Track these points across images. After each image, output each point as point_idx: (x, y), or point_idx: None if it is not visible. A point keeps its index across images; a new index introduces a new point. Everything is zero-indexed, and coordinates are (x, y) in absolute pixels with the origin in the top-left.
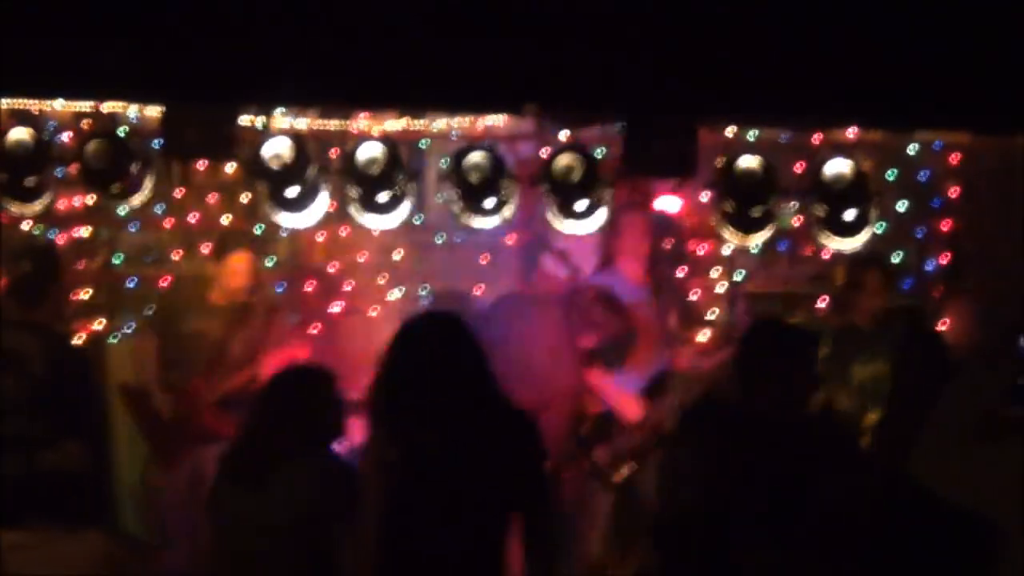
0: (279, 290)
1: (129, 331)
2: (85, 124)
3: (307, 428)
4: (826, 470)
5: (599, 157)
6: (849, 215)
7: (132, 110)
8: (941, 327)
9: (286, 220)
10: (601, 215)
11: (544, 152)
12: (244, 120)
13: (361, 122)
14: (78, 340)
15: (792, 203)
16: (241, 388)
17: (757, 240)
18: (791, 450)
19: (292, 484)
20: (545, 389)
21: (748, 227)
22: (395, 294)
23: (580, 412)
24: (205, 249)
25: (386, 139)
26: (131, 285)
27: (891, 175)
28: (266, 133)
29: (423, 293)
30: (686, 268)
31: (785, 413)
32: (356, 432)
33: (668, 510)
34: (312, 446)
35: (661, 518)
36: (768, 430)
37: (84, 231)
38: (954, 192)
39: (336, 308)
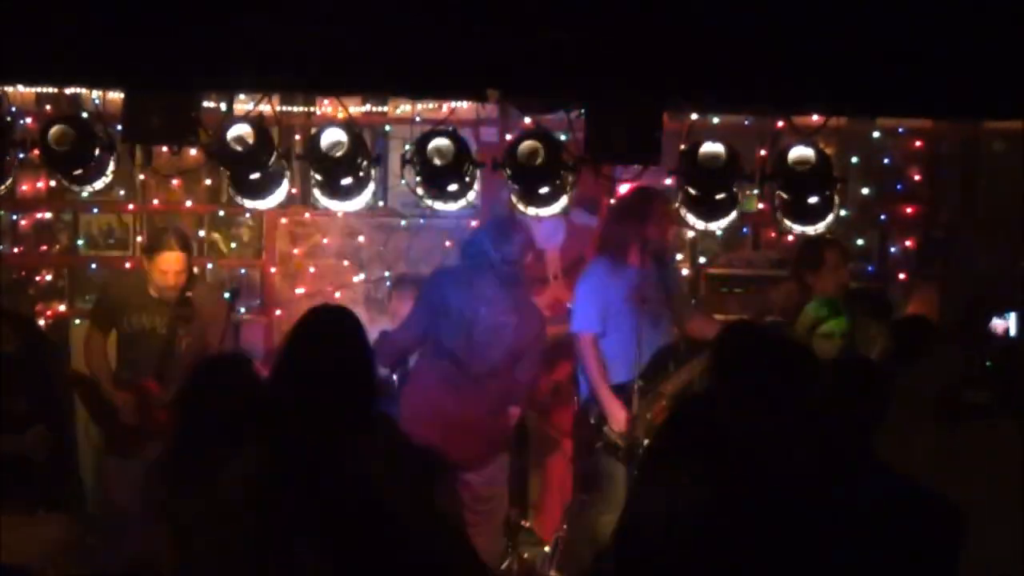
0: (242, 272)
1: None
2: (47, 108)
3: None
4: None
5: (563, 141)
6: (813, 200)
7: (94, 94)
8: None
9: (249, 204)
10: (563, 200)
11: (507, 137)
12: (207, 105)
13: (324, 107)
14: (41, 323)
15: (755, 189)
16: None
17: (721, 225)
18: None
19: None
20: (515, 345)
21: (712, 212)
22: (359, 277)
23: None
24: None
25: (349, 123)
26: (93, 268)
27: (855, 160)
28: (229, 117)
29: (386, 276)
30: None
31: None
32: None
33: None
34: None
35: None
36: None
37: (47, 214)
38: (917, 177)
39: (299, 291)
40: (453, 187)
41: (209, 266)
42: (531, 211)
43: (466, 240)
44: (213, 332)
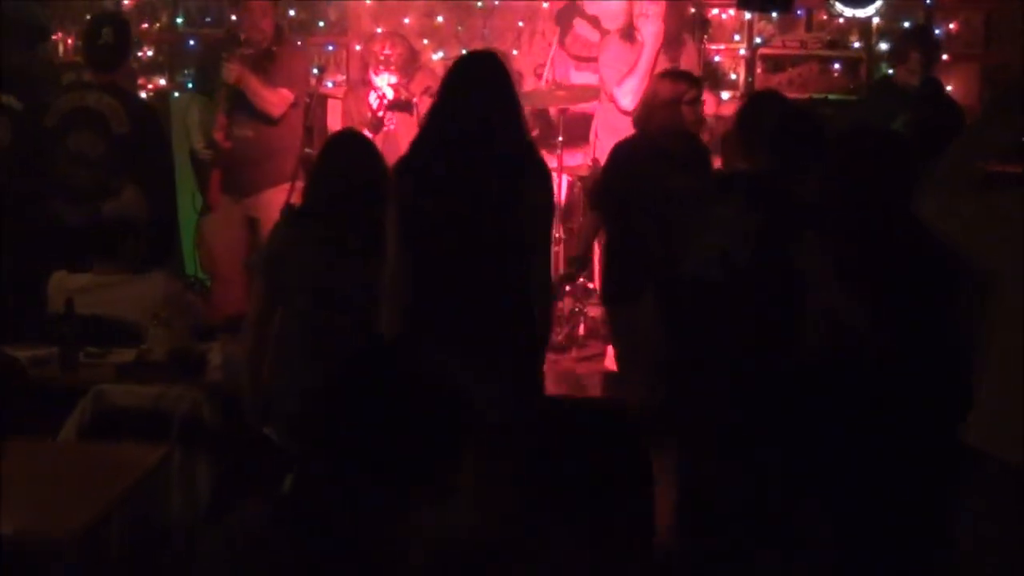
0: (329, 49)
1: (190, 87)
2: None
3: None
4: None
5: None
6: None
7: None
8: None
9: None
10: None
11: None
12: None
13: None
14: (143, 95)
15: None
16: None
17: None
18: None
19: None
20: None
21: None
22: (438, 55)
23: None
24: None
25: None
26: (191, 44)
27: None
28: None
29: (464, 54)
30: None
31: (784, 177)
32: None
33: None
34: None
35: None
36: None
37: None
38: None
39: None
40: None
41: (299, 43)
42: None
43: None
44: (294, 88)
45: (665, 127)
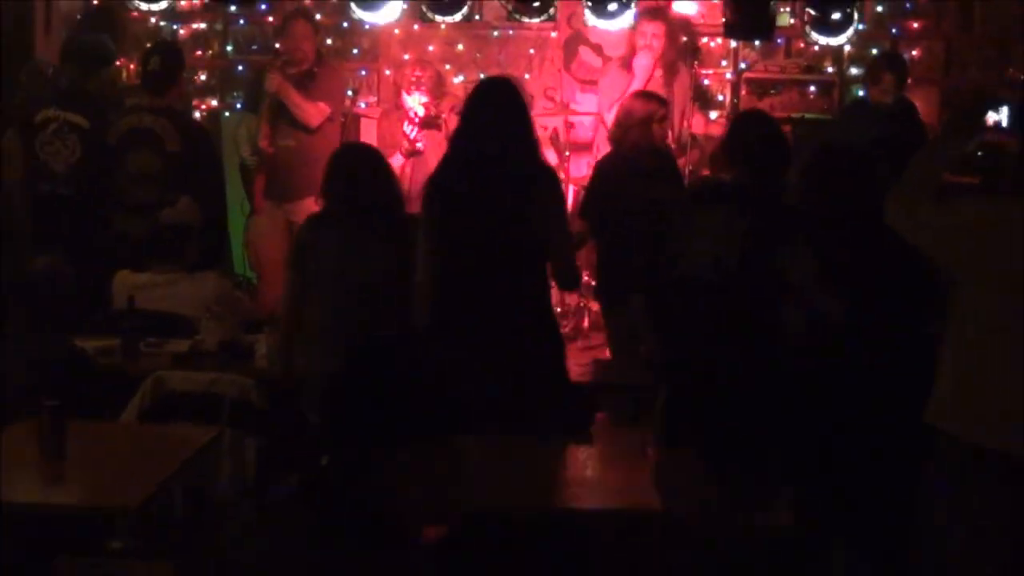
0: (362, 73)
1: (239, 107)
2: None
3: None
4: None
5: None
6: (835, 16)
7: None
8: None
9: (368, 16)
10: (629, 16)
11: None
12: None
13: None
14: (197, 115)
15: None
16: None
17: (841, 40)
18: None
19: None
20: None
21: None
22: (458, 79)
23: None
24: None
25: None
26: (240, 69)
27: None
28: None
29: (481, 78)
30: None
31: (763, 187)
32: None
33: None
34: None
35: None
36: (754, 200)
37: (201, 25)
38: None
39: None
40: (537, 2)
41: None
42: (602, 24)
43: None
44: (331, 103)
45: (639, 144)
